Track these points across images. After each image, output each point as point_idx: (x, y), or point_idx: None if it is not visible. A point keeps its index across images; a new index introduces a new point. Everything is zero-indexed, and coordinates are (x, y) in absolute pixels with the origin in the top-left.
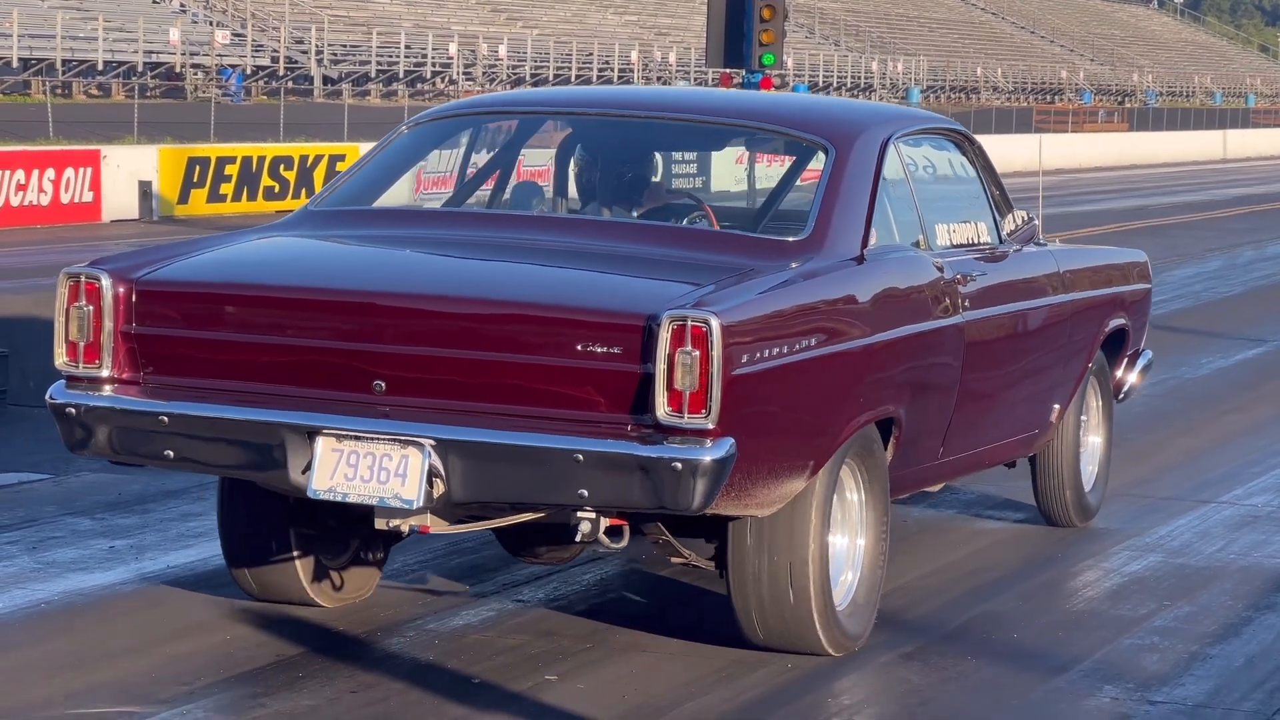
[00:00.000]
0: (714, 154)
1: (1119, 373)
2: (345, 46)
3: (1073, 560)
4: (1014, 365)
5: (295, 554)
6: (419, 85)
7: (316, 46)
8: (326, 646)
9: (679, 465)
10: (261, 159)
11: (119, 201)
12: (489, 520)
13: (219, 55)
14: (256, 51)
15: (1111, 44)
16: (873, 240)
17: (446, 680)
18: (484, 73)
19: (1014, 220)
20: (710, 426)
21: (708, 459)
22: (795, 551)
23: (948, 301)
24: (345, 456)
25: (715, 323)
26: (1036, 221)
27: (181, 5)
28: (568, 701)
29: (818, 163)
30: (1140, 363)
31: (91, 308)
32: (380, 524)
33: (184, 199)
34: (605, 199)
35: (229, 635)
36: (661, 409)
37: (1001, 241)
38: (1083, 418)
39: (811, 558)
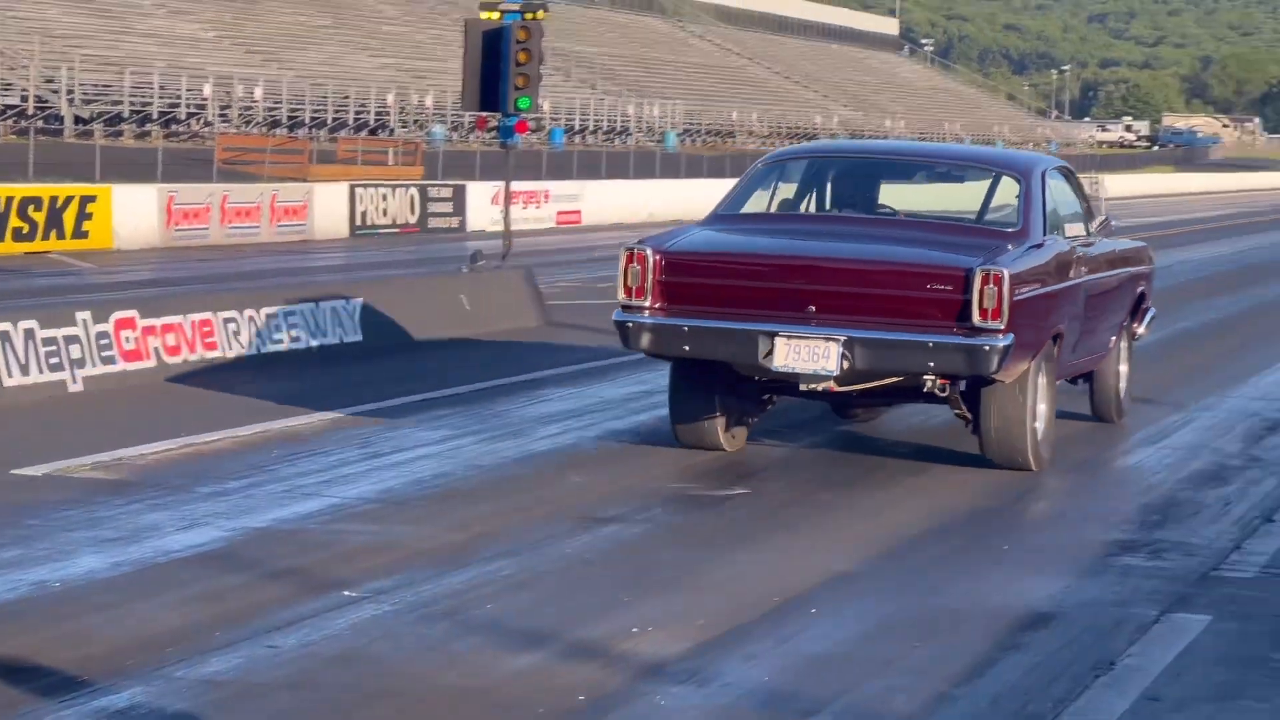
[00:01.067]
0: (908, 183)
1: (1137, 324)
2: (97, 86)
3: (824, 601)
4: (1101, 308)
5: (717, 416)
6: (174, 126)
7: (68, 86)
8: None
9: (988, 347)
10: (10, 199)
11: None
12: (865, 384)
13: None
14: (5, 89)
15: (864, 90)
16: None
17: None
18: (240, 114)
19: (1096, 222)
20: (1002, 328)
21: (1002, 344)
22: (1017, 410)
23: (1075, 269)
24: (792, 347)
25: (1006, 272)
26: (1113, 222)
27: None
28: None
29: (1009, 186)
30: (1147, 317)
31: (639, 267)
32: (804, 386)
33: None
34: (869, 208)
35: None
36: (976, 318)
37: (1089, 234)
38: (1119, 354)
39: (1026, 413)
